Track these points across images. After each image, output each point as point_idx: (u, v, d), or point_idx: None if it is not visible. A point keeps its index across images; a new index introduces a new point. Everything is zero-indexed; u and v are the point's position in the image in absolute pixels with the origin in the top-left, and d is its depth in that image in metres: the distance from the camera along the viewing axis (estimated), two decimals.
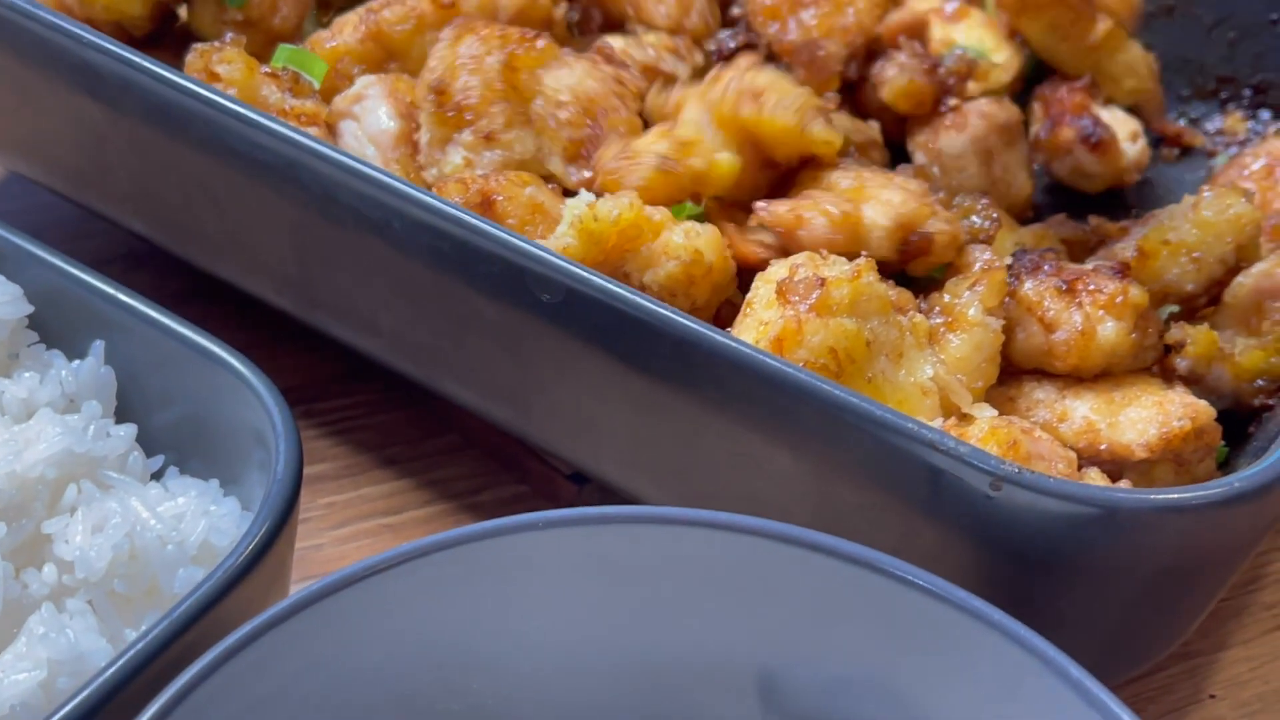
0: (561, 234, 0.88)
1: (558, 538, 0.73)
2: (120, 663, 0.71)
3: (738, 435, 0.83)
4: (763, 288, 0.88)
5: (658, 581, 0.73)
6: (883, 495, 0.80)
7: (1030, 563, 0.78)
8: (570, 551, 0.73)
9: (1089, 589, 0.79)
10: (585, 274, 0.84)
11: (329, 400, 1.12)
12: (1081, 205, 1.24)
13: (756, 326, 0.86)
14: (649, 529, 0.73)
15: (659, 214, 0.90)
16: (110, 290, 0.90)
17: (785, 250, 0.94)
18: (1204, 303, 1.00)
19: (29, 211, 1.22)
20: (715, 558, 0.72)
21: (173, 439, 0.90)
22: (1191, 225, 0.98)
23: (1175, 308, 1.00)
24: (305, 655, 0.69)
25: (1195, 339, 0.95)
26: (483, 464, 1.09)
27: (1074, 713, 0.67)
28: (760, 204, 0.93)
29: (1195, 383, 0.96)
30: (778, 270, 0.88)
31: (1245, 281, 0.98)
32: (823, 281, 0.84)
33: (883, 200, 0.91)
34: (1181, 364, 0.96)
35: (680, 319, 0.82)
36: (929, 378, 0.87)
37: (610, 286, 0.83)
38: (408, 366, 0.98)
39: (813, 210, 0.90)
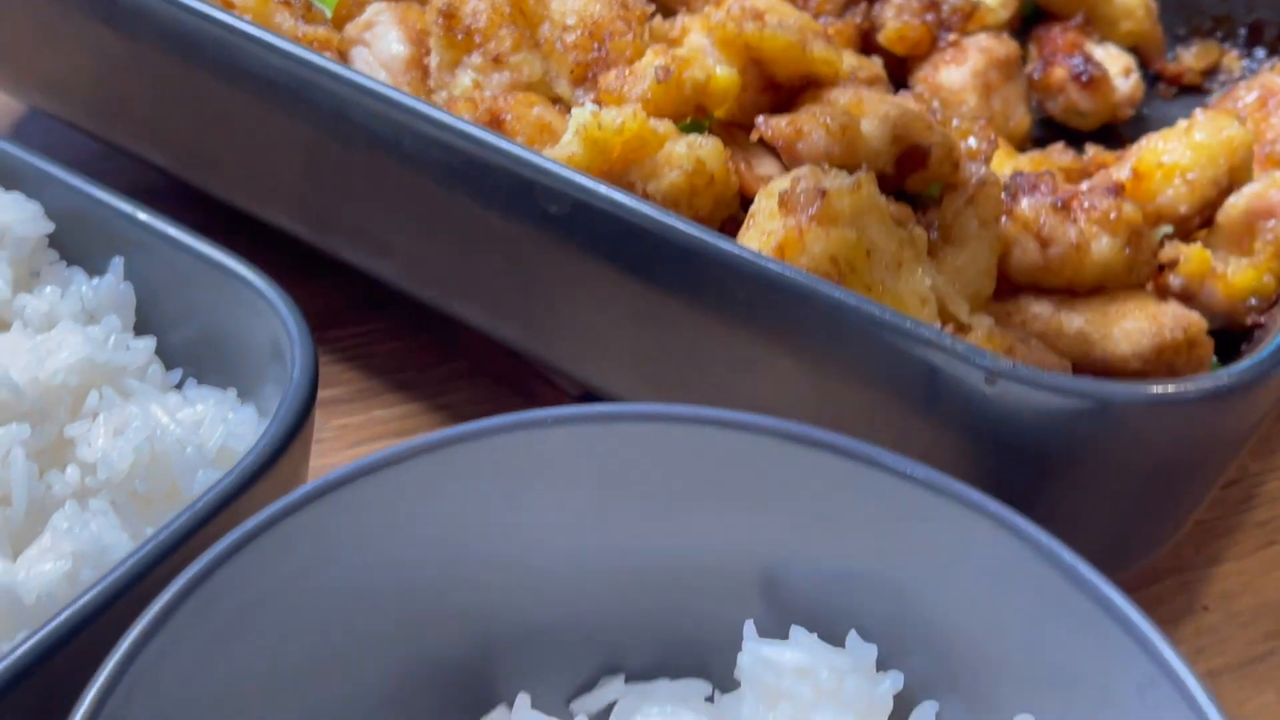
0: (567, 142, 0.90)
1: (566, 434, 0.75)
2: (141, 554, 0.72)
3: (741, 342, 0.85)
4: (765, 200, 0.89)
5: (662, 479, 0.75)
6: (881, 395, 0.82)
7: (1025, 457, 0.79)
8: (578, 448, 0.74)
9: (1082, 483, 0.81)
10: (590, 184, 0.85)
11: (342, 328, 1.14)
12: (1079, 140, 1.26)
13: (759, 236, 0.87)
14: (654, 427, 0.75)
15: (663, 126, 0.91)
16: (129, 209, 0.92)
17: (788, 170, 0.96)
18: (1197, 224, 1.02)
19: (50, 148, 1.21)
20: (718, 455, 0.74)
21: (190, 354, 0.92)
22: (1185, 147, 1.00)
23: (1169, 229, 1.01)
24: (320, 543, 0.71)
25: (1188, 257, 0.97)
26: (492, 389, 1.11)
27: (1065, 597, 0.68)
28: (760, 118, 0.94)
29: (1188, 300, 0.98)
30: (780, 183, 0.90)
31: (1237, 202, 1.00)
32: (824, 193, 0.86)
33: (880, 114, 0.93)
34: (1175, 281, 0.98)
35: (684, 226, 0.83)
36: (927, 287, 0.89)
37: (616, 196, 0.85)
38: (418, 287, 1.00)
39: (811, 123, 0.91)
